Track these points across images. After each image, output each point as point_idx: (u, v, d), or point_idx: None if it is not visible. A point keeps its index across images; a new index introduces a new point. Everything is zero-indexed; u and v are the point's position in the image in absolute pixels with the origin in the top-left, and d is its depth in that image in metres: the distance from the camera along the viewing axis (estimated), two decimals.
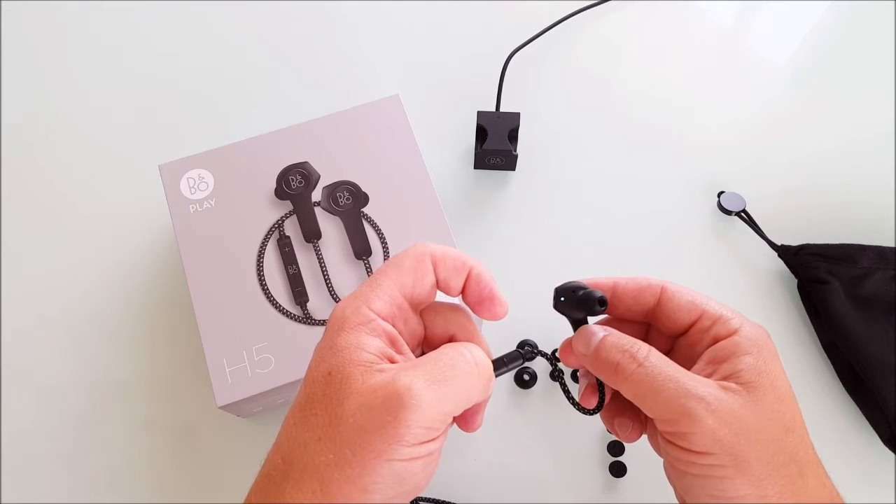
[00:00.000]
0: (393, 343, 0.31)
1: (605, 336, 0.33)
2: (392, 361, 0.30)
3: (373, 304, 0.31)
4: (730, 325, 0.33)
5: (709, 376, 0.31)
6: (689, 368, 0.32)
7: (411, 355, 0.32)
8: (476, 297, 0.33)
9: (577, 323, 0.35)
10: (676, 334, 0.35)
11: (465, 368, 0.30)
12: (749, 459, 0.29)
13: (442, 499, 0.46)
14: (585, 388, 0.36)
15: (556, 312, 0.35)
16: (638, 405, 0.32)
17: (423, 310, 0.34)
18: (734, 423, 0.29)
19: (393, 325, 0.31)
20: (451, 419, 0.30)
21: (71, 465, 0.49)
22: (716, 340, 0.33)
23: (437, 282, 0.33)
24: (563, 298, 0.34)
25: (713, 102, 0.61)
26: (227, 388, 0.43)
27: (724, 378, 0.31)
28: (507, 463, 0.48)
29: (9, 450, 0.49)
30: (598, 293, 0.33)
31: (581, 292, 0.33)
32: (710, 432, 0.29)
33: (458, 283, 0.33)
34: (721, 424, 0.29)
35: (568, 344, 0.35)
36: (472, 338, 0.33)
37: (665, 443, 0.32)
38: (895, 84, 0.61)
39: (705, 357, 0.33)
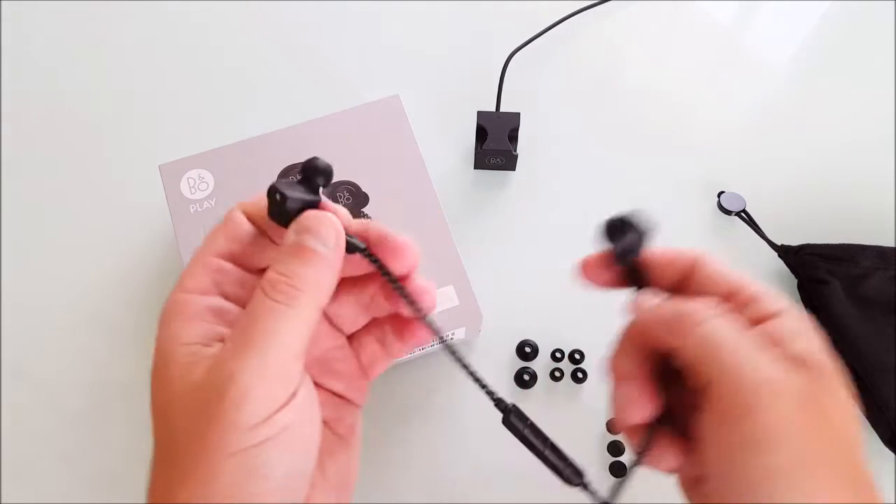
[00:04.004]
0: (222, 315, 0.27)
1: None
2: (223, 340, 0.26)
3: (185, 283, 0.27)
4: (778, 303, 0.29)
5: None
6: None
7: None
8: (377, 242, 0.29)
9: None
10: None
11: (267, 305, 0.25)
12: (819, 458, 0.26)
13: (443, 501, 0.46)
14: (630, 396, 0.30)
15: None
16: (697, 366, 0.28)
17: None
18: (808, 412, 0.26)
19: (223, 294, 0.28)
20: (298, 365, 0.26)
21: (71, 464, 0.49)
22: (758, 321, 0.28)
23: (260, 227, 0.29)
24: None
25: (713, 102, 0.61)
26: None
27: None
28: (507, 463, 0.48)
29: (9, 449, 0.49)
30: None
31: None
32: (784, 419, 0.26)
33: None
34: (796, 411, 0.26)
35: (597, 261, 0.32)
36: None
37: (716, 426, 0.27)
38: (895, 84, 0.61)
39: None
